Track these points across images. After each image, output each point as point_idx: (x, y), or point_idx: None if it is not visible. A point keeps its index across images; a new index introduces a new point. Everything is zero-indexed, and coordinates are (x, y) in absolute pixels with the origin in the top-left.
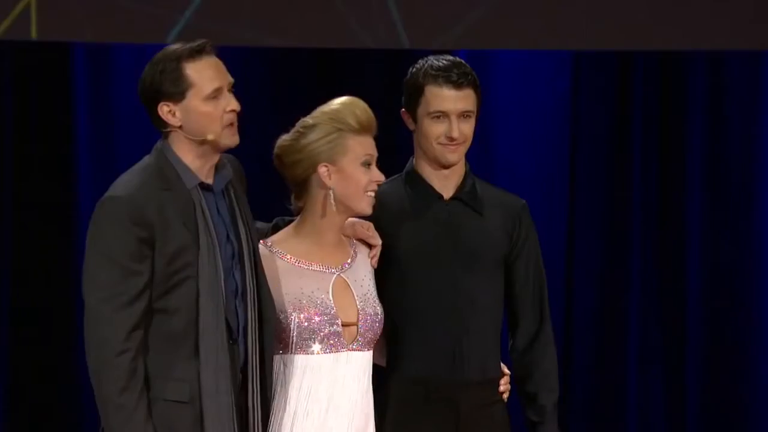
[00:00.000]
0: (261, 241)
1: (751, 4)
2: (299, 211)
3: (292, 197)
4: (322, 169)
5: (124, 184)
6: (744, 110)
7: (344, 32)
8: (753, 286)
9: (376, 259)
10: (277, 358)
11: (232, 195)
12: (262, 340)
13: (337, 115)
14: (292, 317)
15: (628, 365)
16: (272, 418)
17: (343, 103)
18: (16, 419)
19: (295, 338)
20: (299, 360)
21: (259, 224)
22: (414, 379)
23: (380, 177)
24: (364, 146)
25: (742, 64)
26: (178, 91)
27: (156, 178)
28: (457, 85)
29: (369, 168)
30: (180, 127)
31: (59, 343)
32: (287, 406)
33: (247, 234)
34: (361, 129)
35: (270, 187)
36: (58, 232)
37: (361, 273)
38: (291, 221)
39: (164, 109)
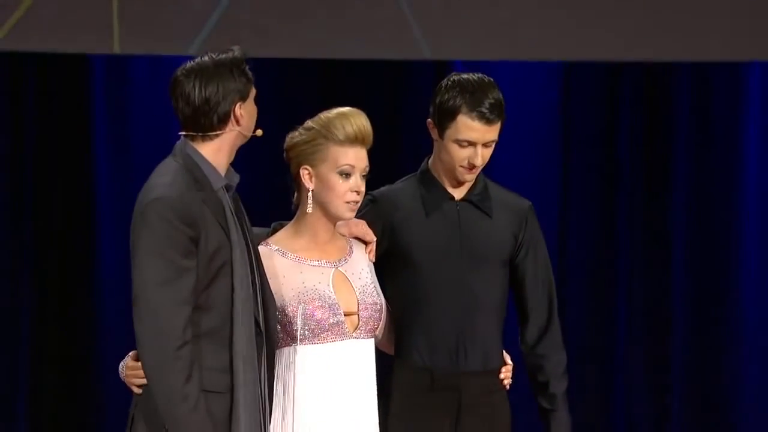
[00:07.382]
0: (262, 242)
1: (738, 16)
2: (296, 209)
3: (294, 193)
4: (303, 171)
5: (165, 185)
6: (727, 120)
7: (353, 43)
8: (736, 289)
9: (372, 253)
10: (286, 350)
11: (235, 195)
12: (269, 336)
13: (327, 124)
14: (298, 310)
15: (615, 354)
16: (281, 406)
17: (337, 114)
18: (37, 412)
19: (301, 329)
20: (308, 350)
21: (259, 230)
22: (419, 368)
23: (358, 187)
24: (345, 157)
25: (726, 75)
26: (246, 91)
27: (190, 179)
28: (489, 121)
29: (347, 178)
30: (240, 125)
31: (81, 340)
32: (297, 393)
33: (250, 232)
34: (347, 141)
35: (271, 197)
36: (78, 239)
37: (358, 267)
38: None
39: (237, 110)
